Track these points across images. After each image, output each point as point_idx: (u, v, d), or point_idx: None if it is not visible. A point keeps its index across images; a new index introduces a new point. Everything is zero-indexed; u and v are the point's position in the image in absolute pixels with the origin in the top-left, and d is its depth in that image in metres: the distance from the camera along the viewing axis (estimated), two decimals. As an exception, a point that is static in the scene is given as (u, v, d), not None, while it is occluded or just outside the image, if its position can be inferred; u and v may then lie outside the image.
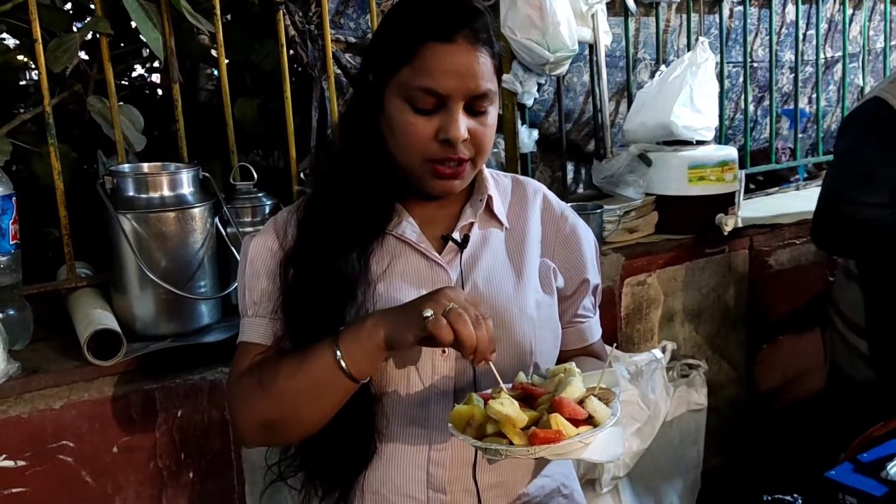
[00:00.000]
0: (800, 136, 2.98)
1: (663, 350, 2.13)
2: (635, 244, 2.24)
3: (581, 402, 0.95)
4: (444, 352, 1.07)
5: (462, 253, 1.12)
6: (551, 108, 2.47)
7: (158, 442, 1.54)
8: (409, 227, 1.12)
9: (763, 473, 2.53)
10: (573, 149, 2.59)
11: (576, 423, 0.92)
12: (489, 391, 1.01)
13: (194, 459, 1.57)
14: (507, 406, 0.92)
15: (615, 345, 2.21)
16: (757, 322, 2.49)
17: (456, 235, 1.13)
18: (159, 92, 2.53)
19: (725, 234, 2.27)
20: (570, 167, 2.61)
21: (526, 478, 1.14)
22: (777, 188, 2.99)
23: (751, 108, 2.86)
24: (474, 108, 1.04)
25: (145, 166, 1.65)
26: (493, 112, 1.08)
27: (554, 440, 0.88)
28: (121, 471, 1.51)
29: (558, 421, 0.91)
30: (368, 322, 0.99)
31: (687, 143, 2.30)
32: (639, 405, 2.03)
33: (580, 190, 2.65)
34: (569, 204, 2.20)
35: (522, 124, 2.25)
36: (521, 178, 1.28)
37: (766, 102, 2.93)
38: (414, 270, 1.11)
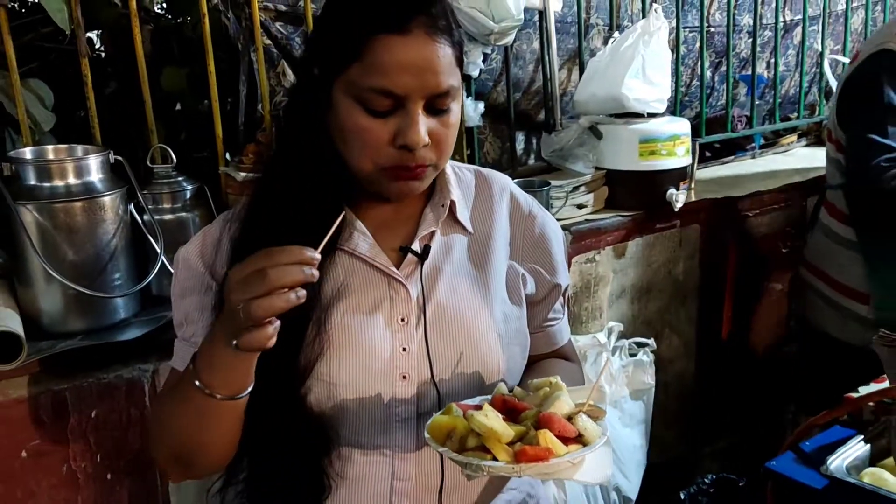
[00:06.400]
0: (757, 102, 2.91)
1: (609, 333, 2.10)
2: (584, 220, 2.18)
3: (570, 419, 0.89)
4: (404, 377, 0.99)
5: (422, 265, 1.01)
6: (500, 77, 2.37)
7: (72, 444, 1.45)
8: (361, 240, 1.01)
9: (714, 450, 2.52)
10: (524, 119, 2.49)
11: (565, 441, 0.86)
12: (470, 401, 0.95)
13: (112, 460, 1.49)
14: (491, 418, 0.86)
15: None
16: (707, 295, 2.46)
17: (416, 246, 1.02)
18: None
19: (676, 210, 2.22)
20: (520, 138, 2.52)
21: (492, 496, 1.07)
22: (732, 157, 2.94)
23: (707, 74, 2.78)
24: (435, 106, 0.92)
25: (49, 150, 1.52)
26: (455, 109, 0.96)
27: (543, 458, 0.83)
28: (31, 475, 1.42)
29: (547, 438, 0.84)
30: (215, 329, 0.86)
31: (638, 115, 2.22)
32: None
33: (531, 162, 2.56)
34: (515, 181, 2.17)
35: (468, 96, 2.15)
36: (486, 171, 1.16)
37: (724, 68, 2.86)
38: (370, 289, 1.00)
